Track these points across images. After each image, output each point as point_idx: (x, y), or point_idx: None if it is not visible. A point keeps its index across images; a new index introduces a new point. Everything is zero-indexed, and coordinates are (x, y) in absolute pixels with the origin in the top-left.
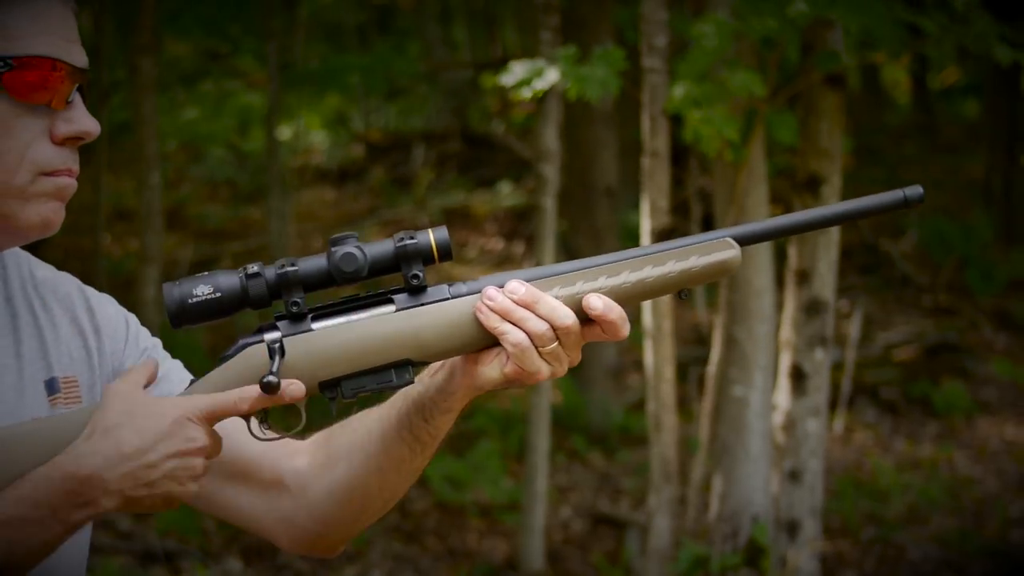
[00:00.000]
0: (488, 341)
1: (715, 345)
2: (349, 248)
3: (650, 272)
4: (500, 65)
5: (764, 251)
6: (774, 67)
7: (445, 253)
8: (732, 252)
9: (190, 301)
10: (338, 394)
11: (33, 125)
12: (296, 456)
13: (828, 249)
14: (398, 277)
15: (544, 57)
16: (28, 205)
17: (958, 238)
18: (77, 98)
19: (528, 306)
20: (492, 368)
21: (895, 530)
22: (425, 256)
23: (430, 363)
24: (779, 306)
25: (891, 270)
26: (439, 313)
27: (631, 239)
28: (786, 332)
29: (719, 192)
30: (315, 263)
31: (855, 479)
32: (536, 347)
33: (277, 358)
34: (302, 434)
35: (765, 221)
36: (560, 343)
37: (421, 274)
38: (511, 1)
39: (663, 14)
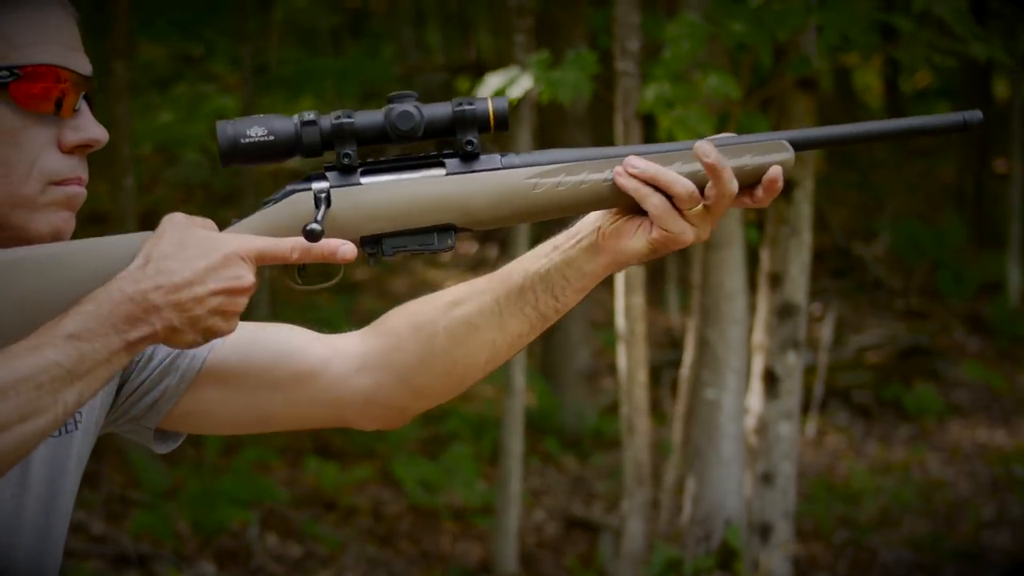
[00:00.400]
0: (537, 216)
1: (688, 348)
2: (407, 106)
3: (700, 166)
4: (474, 68)
5: (737, 254)
6: (747, 71)
7: (502, 122)
8: (786, 154)
9: (243, 141)
10: (379, 251)
11: (41, 134)
12: (356, 340)
13: (800, 252)
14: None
15: (518, 61)
16: (38, 215)
17: (930, 242)
18: (84, 106)
19: (649, 180)
20: (637, 239)
21: (867, 533)
22: (481, 123)
23: (472, 229)
24: (751, 309)
25: (863, 273)
26: (491, 182)
27: None
28: (758, 335)
29: None
30: (372, 118)
31: (827, 482)
32: (679, 209)
33: (323, 207)
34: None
35: (821, 128)
36: (707, 205)
37: (475, 140)
38: (485, 4)
39: (636, 17)
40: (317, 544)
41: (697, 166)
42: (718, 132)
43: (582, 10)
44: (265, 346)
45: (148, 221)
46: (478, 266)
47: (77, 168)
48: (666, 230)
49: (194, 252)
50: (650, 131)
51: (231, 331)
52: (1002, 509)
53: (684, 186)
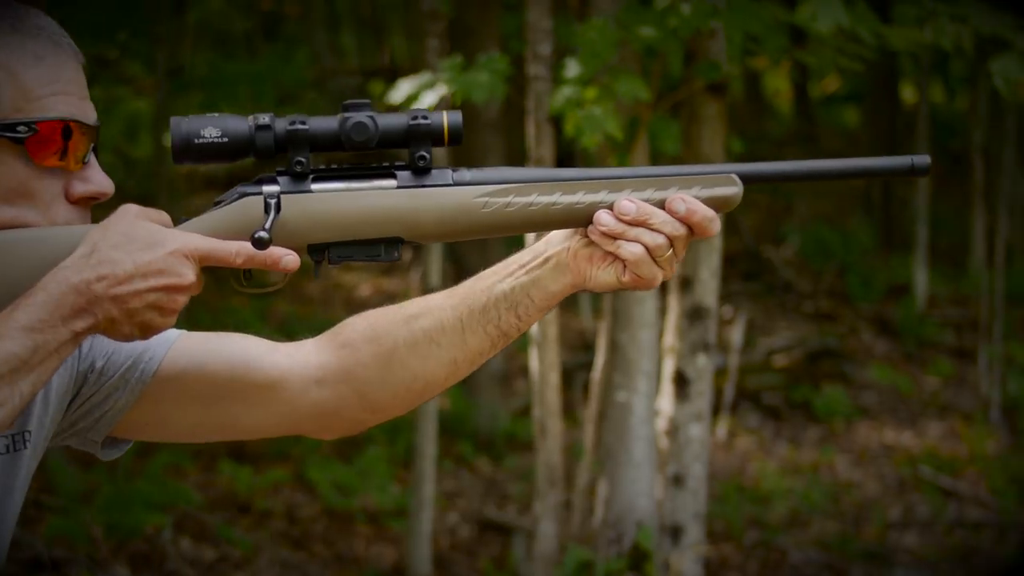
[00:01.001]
0: (483, 234)
1: (599, 351)
2: (362, 117)
3: (651, 195)
4: (388, 72)
5: None
6: (657, 75)
7: (456, 137)
8: (734, 189)
9: (196, 141)
10: (324, 259)
11: (52, 186)
12: (313, 350)
13: (711, 256)
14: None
15: (430, 65)
16: None
17: (838, 245)
18: (92, 158)
19: (641, 223)
20: (607, 273)
21: (777, 534)
22: (435, 137)
23: (419, 243)
24: (662, 312)
25: (773, 276)
26: (440, 198)
27: (518, 243)
28: (669, 338)
29: None
30: (326, 125)
31: (738, 484)
32: (652, 257)
33: (273, 213)
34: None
35: (771, 164)
36: (673, 249)
37: (428, 155)
38: (398, 9)
39: (548, 22)
40: (231, 547)
41: (658, 196)
42: (628, 138)
43: (494, 15)
44: (222, 357)
45: None
46: (391, 271)
47: (84, 218)
48: (638, 275)
49: (139, 245)
50: (562, 136)
51: (168, 327)
52: (909, 510)
53: (652, 238)
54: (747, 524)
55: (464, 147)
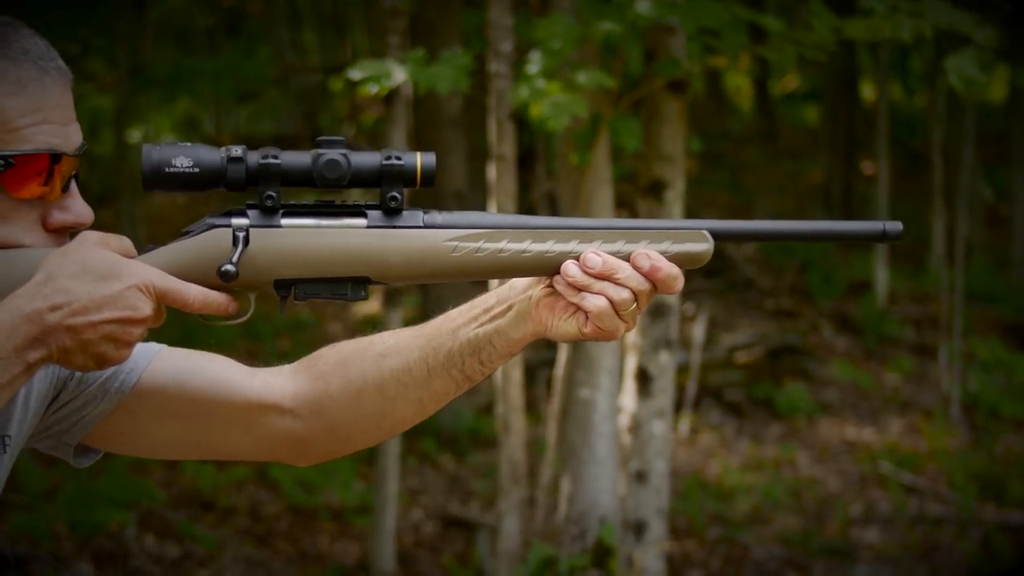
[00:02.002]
0: (452, 278)
1: (562, 348)
2: (335, 154)
3: (621, 248)
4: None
5: None
6: (618, 73)
7: (428, 179)
8: (705, 245)
9: (167, 170)
10: (290, 294)
11: (28, 215)
12: (289, 379)
13: None
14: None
15: (391, 60)
16: None
17: (799, 243)
18: (73, 186)
19: (607, 277)
20: (568, 324)
21: (740, 530)
22: (408, 178)
23: (387, 284)
24: None
25: (735, 274)
26: (408, 240)
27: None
28: (631, 335)
29: (564, 196)
30: (299, 161)
31: (700, 480)
32: (616, 311)
33: (241, 246)
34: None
35: (745, 222)
36: (637, 303)
37: (400, 196)
38: (360, 5)
39: (509, 20)
40: (195, 544)
41: (628, 248)
42: (589, 136)
43: (455, 12)
44: (205, 377)
45: None
46: None
47: (60, 245)
48: (600, 328)
49: (96, 276)
50: (524, 134)
51: (123, 360)
52: (870, 506)
53: (616, 292)
54: (709, 520)
55: (425, 145)
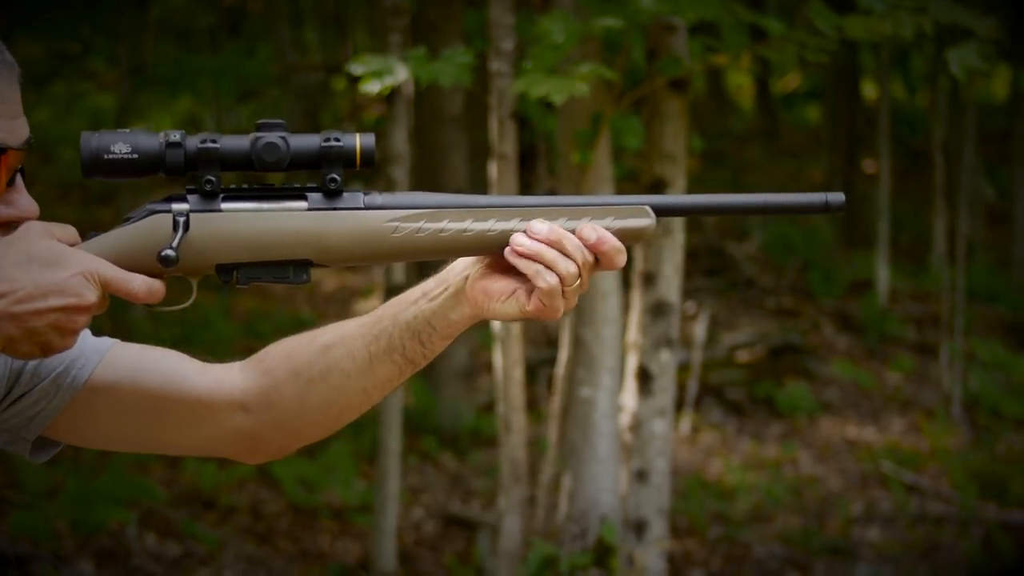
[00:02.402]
0: (394, 259)
1: (563, 347)
2: (274, 137)
3: (564, 224)
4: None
5: None
6: (620, 71)
7: (368, 160)
8: (647, 221)
9: (105, 156)
10: (233, 279)
11: None
12: (239, 375)
13: (673, 251)
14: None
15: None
16: None
17: (800, 241)
18: (19, 180)
19: (555, 244)
20: (509, 305)
21: (741, 529)
22: (347, 160)
23: (329, 266)
24: (625, 308)
25: (736, 272)
26: (349, 221)
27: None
28: (632, 334)
29: (566, 194)
30: (238, 144)
31: (701, 479)
32: (563, 286)
33: (180, 232)
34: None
35: (686, 196)
36: (581, 280)
37: (339, 178)
38: (361, 4)
39: (510, 18)
40: (196, 543)
41: (570, 225)
42: (590, 135)
43: (456, 11)
44: (158, 372)
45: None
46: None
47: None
48: (545, 304)
49: (40, 265)
50: (525, 133)
51: (68, 347)
52: (871, 504)
53: (566, 266)
54: (710, 519)
55: (426, 143)
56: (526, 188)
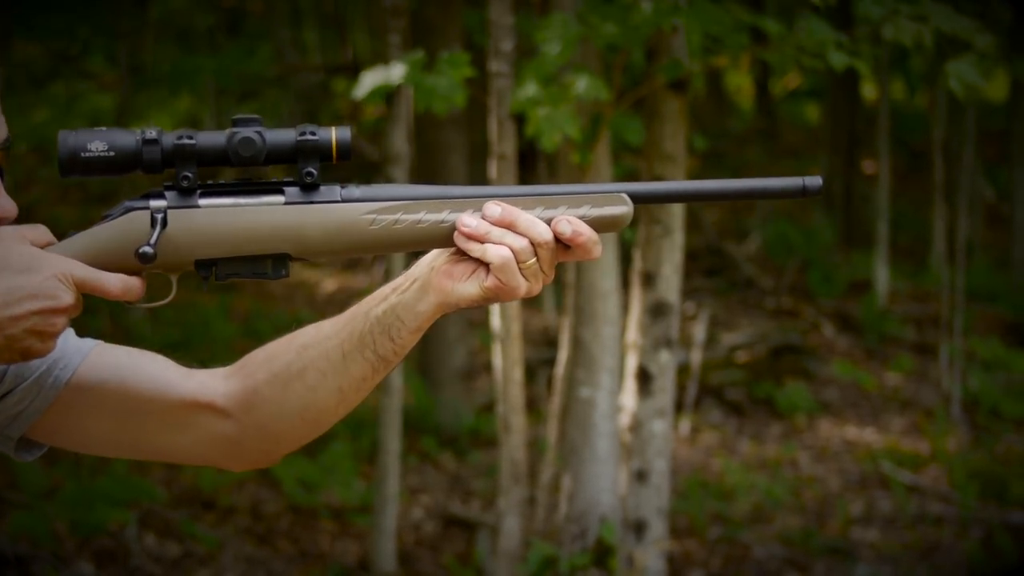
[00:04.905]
0: (372, 251)
1: (562, 347)
2: (249, 132)
3: (540, 214)
4: (351, 69)
5: (610, 253)
6: (619, 71)
7: (344, 153)
8: (624, 208)
9: (82, 155)
10: (212, 275)
11: None
12: (222, 380)
13: (673, 252)
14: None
15: (392, 61)
16: None
17: (800, 241)
18: None
19: (507, 225)
20: (470, 284)
21: (740, 529)
22: (324, 153)
23: (308, 260)
24: (625, 308)
25: (735, 273)
26: (326, 214)
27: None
28: (632, 334)
29: None
30: (214, 140)
31: (701, 479)
32: (517, 262)
33: (158, 228)
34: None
35: (661, 183)
36: (538, 259)
37: (315, 171)
38: (361, 5)
39: (509, 19)
40: (195, 544)
41: (547, 214)
42: (590, 135)
43: (457, 11)
44: (142, 375)
45: (23, 220)
46: (354, 264)
47: None
48: (501, 281)
49: (14, 270)
50: (524, 131)
51: (48, 351)
52: (871, 505)
53: (515, 240)
54: (710, 519)
55: (426, 143)
56: None
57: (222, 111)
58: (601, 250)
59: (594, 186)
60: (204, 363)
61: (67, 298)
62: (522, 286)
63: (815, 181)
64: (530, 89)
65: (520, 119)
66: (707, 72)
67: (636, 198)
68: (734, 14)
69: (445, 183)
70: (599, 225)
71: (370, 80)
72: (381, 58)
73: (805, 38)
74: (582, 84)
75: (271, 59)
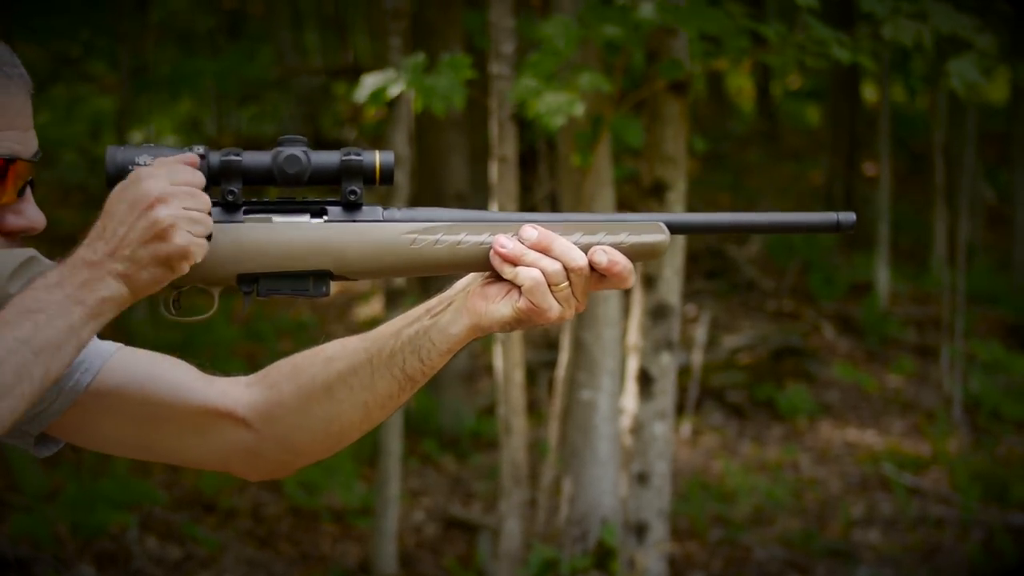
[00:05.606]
0: (412, 271)
1: (563, 349)
2: (295, 151)
3: (579, 239)
4: (351, 71)
5: None
6: (620, 73)
7: (387, 176)
8: (661, 236)
9: (130, 168)
10: (254, 291)
11: None
12: (244, 389)
13: (674, 254)
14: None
15: (393, 64)
16: None
17: (801, 244)
18: (28, 191)
19: (543, 249)
20: (503, 305)
21: (741, 531)
22: (367, 175)
23: (349, 279)
24: (626, 311)
25: (736, 275)
26: (368, 233)
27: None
28: (633, 336)
29: (566, 197)
30: (260, 159)
31: (702, 481)
32: (549, 286)
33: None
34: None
35: (700, 215)
36: (571, 284)
37: (359, 191)
38: (362, 7)
39: (510, 21)
40: (197, 546)
41: (585, 240)
42: (591, 137)
43: (457, 13)
44: (164, 380)
45: None
46: None
47: (12, 247)
48: (533, 303)
49: (129, 208)
50: (526, 135)
51: (181, 246)
52: (871, 507)
53: (548, 264)
54: (711, 522)
55: (427, 146)
56: (526, 190)
57: (223, 114)
58: (633, 280)
59: (633, 215)
60: (203, 365)
61: (201, 177)
62: (554, 309)
63: (848, 217)
64: (531, 83)
65: (521, 122)
66: (708, 74)
67: (673, 228)
68: (734, 18)
69: (446, 185)
70: (636, 253)
71: (371, 83)
72: (382, 61)
73: (806, 38)
74: (584, 79)
75: (272, 62)
